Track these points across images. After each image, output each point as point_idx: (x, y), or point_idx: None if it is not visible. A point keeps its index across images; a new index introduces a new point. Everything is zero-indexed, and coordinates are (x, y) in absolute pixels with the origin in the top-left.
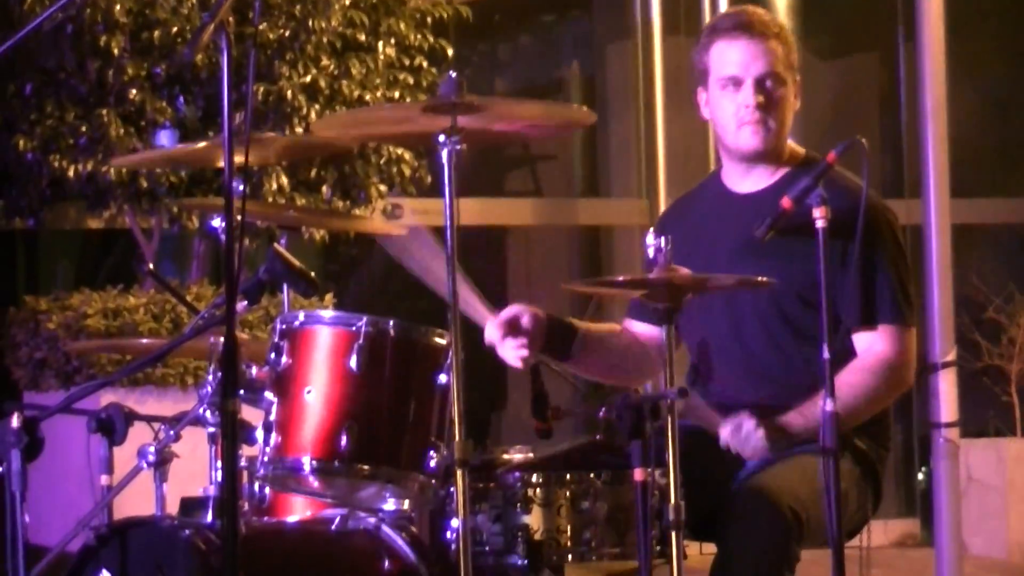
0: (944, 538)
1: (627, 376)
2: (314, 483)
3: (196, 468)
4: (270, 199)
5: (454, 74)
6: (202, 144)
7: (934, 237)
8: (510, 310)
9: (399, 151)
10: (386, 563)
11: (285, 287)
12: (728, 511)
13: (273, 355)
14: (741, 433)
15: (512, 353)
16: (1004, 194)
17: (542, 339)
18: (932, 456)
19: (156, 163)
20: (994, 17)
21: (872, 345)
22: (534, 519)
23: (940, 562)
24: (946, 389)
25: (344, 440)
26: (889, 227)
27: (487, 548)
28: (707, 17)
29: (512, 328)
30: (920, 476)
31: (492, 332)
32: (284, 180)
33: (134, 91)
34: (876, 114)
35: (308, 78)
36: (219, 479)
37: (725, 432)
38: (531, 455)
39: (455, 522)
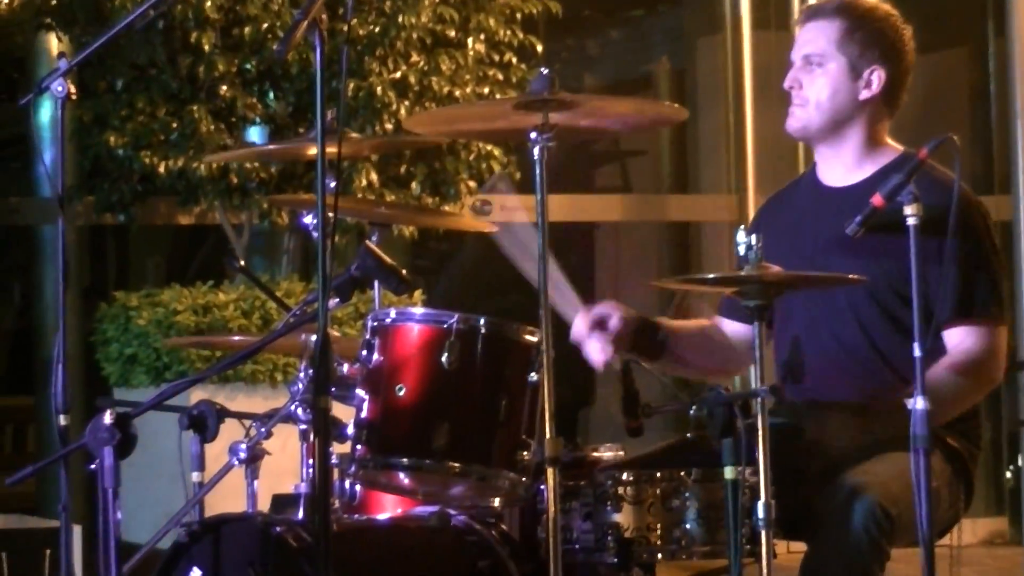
0: None
1: (710, 373)
2: (405, 481)
3: (287, 465)
4: (360, 195)
5: (546, 70)
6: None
7: (1023, 233)
8: (600, 308)
9: (488, 147)
10: (477, 561)
11: (376, 284)
12: (819, 509)
13: (364, 352)
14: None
15: (596, 352)
16: None
17: (629, 340)
18: (1021, 454)
19: (248, 159)
20: None
21: (963, 341)
22: (624, 517)
23: None
24: None
25: (435, 438)
26: (983, 222)
27: (577, 546)
28: (796, 12)
29: (599, 326)
30: (1008, 474)
31: (579, 328)
32: (374, 176)
33: (225, 87)
34: (966, 109)
35: (398, 74)
36: (311, 476)
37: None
38: (621, 453)
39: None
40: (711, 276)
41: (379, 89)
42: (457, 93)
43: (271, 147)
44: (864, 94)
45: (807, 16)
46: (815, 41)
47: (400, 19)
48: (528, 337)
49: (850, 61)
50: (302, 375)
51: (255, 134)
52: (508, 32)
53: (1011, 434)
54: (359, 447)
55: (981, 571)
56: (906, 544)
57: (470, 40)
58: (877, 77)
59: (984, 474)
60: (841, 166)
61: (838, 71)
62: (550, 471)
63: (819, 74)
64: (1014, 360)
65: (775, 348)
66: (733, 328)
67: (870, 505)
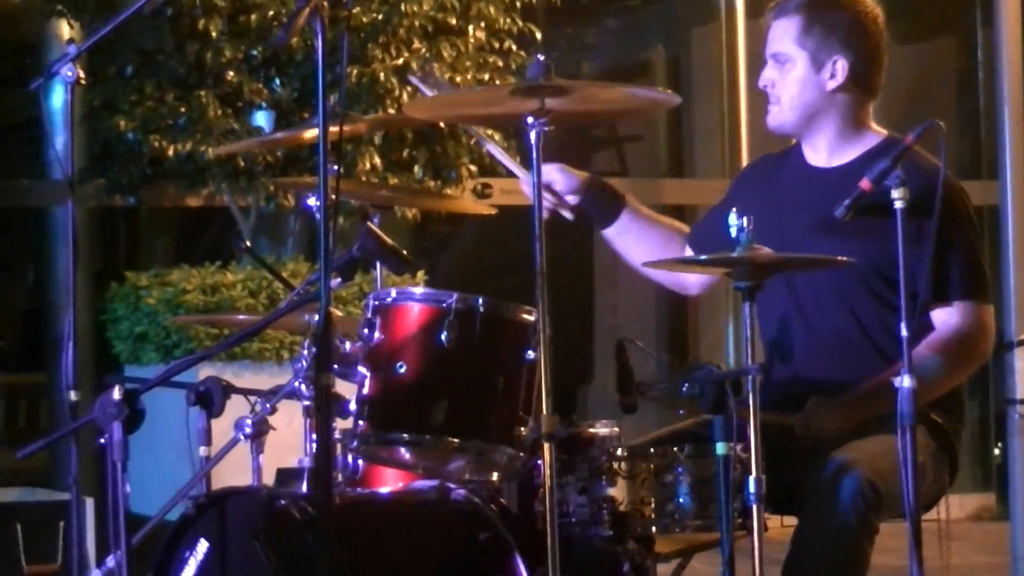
0: (1019, 512)
1: (641, 265)
2: (405, 455)
3: (291, 440)
4: (363, 178)
5: (542, 57)
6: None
7: (1010, 217)
8: (546, 174)
9: (489, 132)
10: (475, 534)
11: (378, 264)
12: (809, 485)
13: (366, 330)
14: (812, 426)
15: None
16: None
17: (583, 197)
18: (1007, 432)
19: (254, 147)
20: None
21: (948, 319)
22: (619, 491)
23: (1015, 535)
24: (1021, 366)
25: (435, 414)
26: (964, 206)
27: (573, 519)
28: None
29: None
30: (996, 452)
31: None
32: (377, 160)
33: (231, 73)
34: (954, 96)
35: (400, 61)
36: (314, 451)
37: (799, 426)
38: (616, 430)
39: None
40: (704, 257)
41: (382, 75)
42: (458, 79)
43: (278, 135)
44: (831, 84)
45: (773, 15)
46: (780, 40)
47: (402, 7)
48: (525, 316)
49: (811, 55)
50: (305, 353)
51: (261, 119)
52: (508, 20)
53: (998, 412)
54: (361, 423)
55: (969, 545)
56: (893, 517)
57: (471, 28)
58: (840, 67)
59: (972, 451)
60: (824, 149)
61: (802, 67)
62: (546, 446)
63: (787, 71)
64: (1001, 340)
65: (760, 328)
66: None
67: (858, 481)
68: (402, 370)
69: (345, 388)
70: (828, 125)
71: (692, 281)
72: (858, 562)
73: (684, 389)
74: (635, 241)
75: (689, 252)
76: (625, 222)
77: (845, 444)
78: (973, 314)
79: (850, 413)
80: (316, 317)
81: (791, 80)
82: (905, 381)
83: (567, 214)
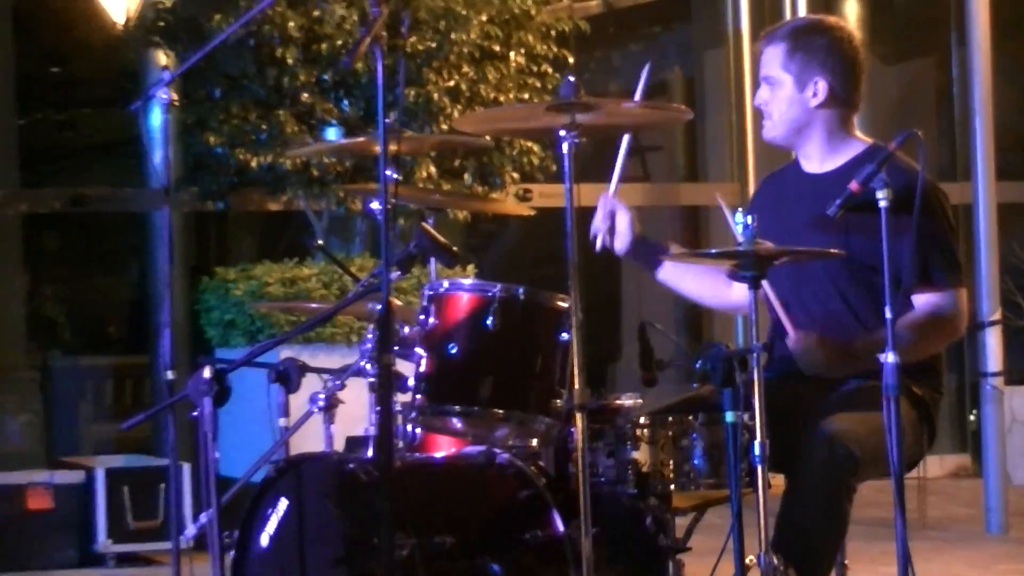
0: (991, 470)
1: (697, 298)
2: (457, 425)
3: (358, 412)
4: (420, 185)
5: (573, 78)
6: (361, 139)
7: (982, 214)
8: (611, 206)
9: (529, 144)
10: (518, 492)
11: (432, 259)
12: (799, 450)
13: (422, 316)
14: (802, 346)
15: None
16: None
17: (632, 244)
18: (981, 401)
19: (321, 153)
20: None
21: (928, 299)
22: (642, 454)
23: (988, 490)
24: (992, 343)
25: (482, 388)
26: (940, 203)
27: (602, 479)
28: None
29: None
30: (971, 418)
31: (597, 221)
32: (432, 169)
33: (305, 94)
34: (933, 109)
35: (451, 83)
36: (377, 421)
37: (791, 342)
38: (640, 401)
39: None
40: (714, 251)
41: (435, 96)
42: (501, 98)
43: (341, 142)
44: (813, 102)
45: (764, 43)
46: (769, 64)
47: (452, 36)
48: (560, 303)
49: (796, 77)
50: (370, 336)
51: (332, 134)
52: (544, 47)
53: (972, 384)
54: (418, 397)
55: (947, 499)
56: (876, 477)
57: (512, 54)
58: (821, 87)
59: (950, 418)
60: (814, 158)
61: (789, 88)
62: (579, 416)
63: (776, 91)
64: (975, 321)
65: (768, 311)
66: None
67: (837, 448)
68: (453, 351)
69: (404, 367)
70: (815, 136)
71: (735, 297)
72: (839, 513)
73: (698, 365)
74: (681, 279)
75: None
76: (669, 267)
77: (833, 414)
78: (950, 295)
79: (837, 354)
80: (379, 305)
81: (780, 99)
82: (889, 357)
83: (607, 242)
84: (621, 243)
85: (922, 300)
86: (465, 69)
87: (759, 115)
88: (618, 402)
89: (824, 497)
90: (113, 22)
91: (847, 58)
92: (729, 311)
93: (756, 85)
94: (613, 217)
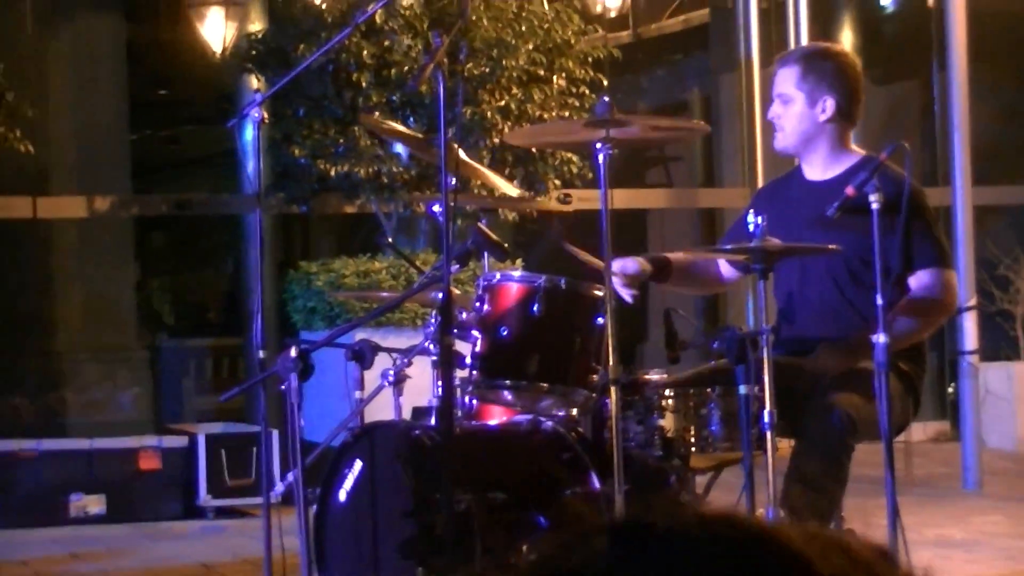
0: (968, 435)
1: (697, 290)
2: (507, 397)
3: (423, 386)
4: (475, 191)
5: (607, 98)
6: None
7: (960, 215)
8: (623, 267)
9: (568, 155)
10: (560, 454)
11: (485, 254)
12: (806, 416)
13: (477, 304)
14: (820, 364)
15: (626, 295)
16: (1014, 182)
17: (648, 275)
18: (959, 375)
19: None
20: (1008, 45)
21: (920, 281)
22: (667, 422)
23: (965, 452)
24: (969, 326)
25: (529, 365)
26: (925, 204)
27: (632, 443)
28: None
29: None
30: (950, 390)
31: (616, 282)
32: None
33: (377, 113)
34: (917, 123)
35: (502, 103)
36: (440, 394)
37: (809, 365)
38: (665, 376)
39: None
40: (729, 247)
41: (488, 114)
42: (546, 116)
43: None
44: (822, 117)
45: (779, 64)
46: (783, 84)
47: (504, 62)
48: (596, 292)
49: (807, 95)
50: (433, 321)
51: (399, 147)
52: (583, 71)
53: (951, 361)
54: (474, 373)
55: (929, 460)
56: (869, 440)
57: (555, 77)
58: (829, 104)
59: (932, 390)
60: (817, 167)
61: (800, 104)
62: (613, 389)
63: (789, 107)
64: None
65: (775, 299)
66: (728, 269)
67: (840, 413)
68: (504, 333)
69: (462, 347)
70: (820, 146)
71: (725, 273)
72: (840, 470)
73: (715, 345)
74: (684, 281)
75: (723, 265)
76: (674, 277)
77: (833, 387)
78: (939, 277)
79: (846, 357)
80: (441, 294)
81: (792, 114)
82: (880, 338)
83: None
84: (636, 285)
85: (915, 282)
86: (514, 91)
87: (767, 129)
88: (646, 377)
89: (828, 455)
90: (212, 51)
91: (851, 80)
92: (713, 285)
93: (766, 102)
94: (625, 273)
